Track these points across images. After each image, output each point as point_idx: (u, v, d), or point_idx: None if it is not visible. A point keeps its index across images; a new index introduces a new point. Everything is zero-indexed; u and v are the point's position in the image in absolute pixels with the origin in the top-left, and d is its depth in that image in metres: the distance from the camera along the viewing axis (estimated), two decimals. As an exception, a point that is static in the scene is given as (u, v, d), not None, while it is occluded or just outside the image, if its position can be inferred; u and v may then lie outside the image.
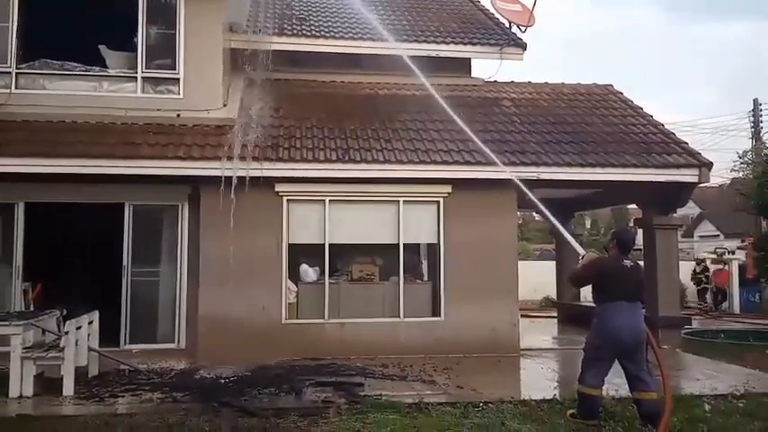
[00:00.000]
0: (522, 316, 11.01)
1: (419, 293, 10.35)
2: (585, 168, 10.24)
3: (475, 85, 12.83)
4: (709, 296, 21.44)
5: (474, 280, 9.99)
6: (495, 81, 13.15)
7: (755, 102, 28.69)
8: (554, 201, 13.42)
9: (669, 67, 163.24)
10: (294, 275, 10.06)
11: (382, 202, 10.22)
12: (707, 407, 6.87)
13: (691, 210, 36.31)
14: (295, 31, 12.22)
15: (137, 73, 10.19)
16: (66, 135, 9.50)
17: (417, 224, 10.29)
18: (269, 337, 9.47)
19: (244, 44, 11.15)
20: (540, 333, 13.00)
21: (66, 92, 10.04)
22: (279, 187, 9.80)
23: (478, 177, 9.89)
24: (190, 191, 9.89)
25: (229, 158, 9.40)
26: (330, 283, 10.04)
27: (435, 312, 10.19)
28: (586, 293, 9.41)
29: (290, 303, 9.90)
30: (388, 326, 9.96)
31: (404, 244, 10.21)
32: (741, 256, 22.37)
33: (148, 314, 9.94)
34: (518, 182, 9.09)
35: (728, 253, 23.27)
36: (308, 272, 10.18)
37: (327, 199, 9.99)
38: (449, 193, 10.16)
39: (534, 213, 26.56)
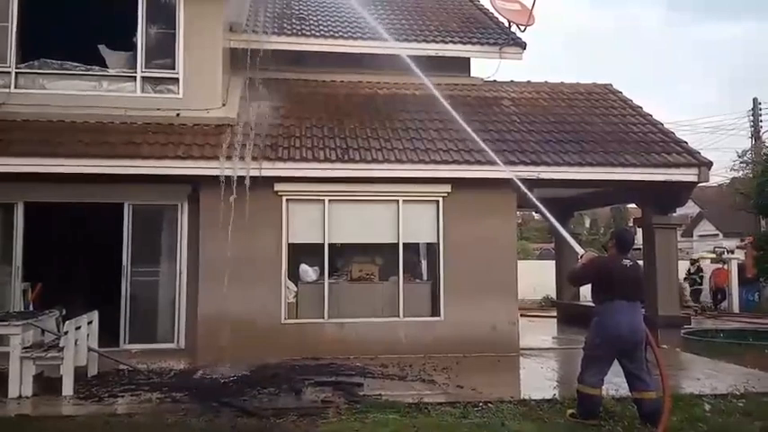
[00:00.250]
0: (521, 315, 11.02)
1: (419, 293, 10.35)
2: (585, 168, 10.24)
3: (474, 85, 12.82)
4: (709, 296, 21.46)
5: (473, 279, 9.99)
6: (495, 81, 13.14)
7: (755, 101, 28.73)
8: (554, 200, 13.46)
9: (669, 67, 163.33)
10: (294, 275, 10.06)
11: (382, 201, 10.22)
12: (707, 406, 6.87)
13: (690, 209, 36.33)
14: (295, 31, 12.22)
15: (136, 72, 10.19)
16: (66, 135, 9.49)
17: (417, 224, 10.28)
18: (268, 337, 9.47)
19: (243, 44, 11.15)
20: (540, 332, 13.00)
21: (66, 91, 10.03)
22: (278, 187, 9.80)
23: (478, 177, 9.89)
24: (189, 190, 9.89)
25: (229, 158, 9.40)
26: (330, 282, 10.04)
27: (435, 312, 10.19)
28: (586, 293, 9.40)
29: (289, 303, 9.90)
30: (387, 325, 9.96)
31: (403, 243, 10.21)
32: (740, 255, 22.38)
33: (148, 314, 9.93)
34: (517, 181, 9.08)
35: (728, 252, 23.28)
36: (308, 271, 10.18)
37: (327, 198, 9.99)
38: (448, 193, 10.16)
39: (534, 213, 26.62)
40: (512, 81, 13.40)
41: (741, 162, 28.01)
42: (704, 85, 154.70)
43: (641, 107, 12.45)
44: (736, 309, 20.62)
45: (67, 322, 7.73)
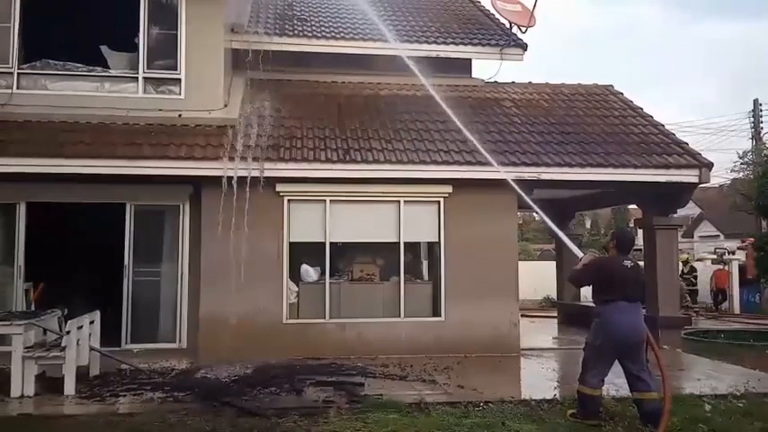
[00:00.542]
0: (522, 316, 11.02)
1: (420, 293, 10.37)
2: (586, 169, 10.25)
3: (476, 86, 12.85)
4: (709, 296, 21.46)
5: (474, 280, 10.00)
6: (496, 82, 13.17)
7: (755, 102, 28.72)
8: (554, 201, 13.50)
9: (669, 67, 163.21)
10: (295, 275, 10.08)
11: (383, 202, 10.23)
12: (707, 407, 6.88)
13: (691, 210, 36.31)
14: (296, 32, 12.24)
15: (138, 73, 10.20)
16: (68, 135, 9.51)
17: (418, 224, 10.30)
18: (270, 337, 9.49)
19: (245, 44, 11.17)
20: (541, 333, 13.02)
21: (68, 92, 10.05)
22: (280, 187, 9.82)
23: (479, 177, 9.91)
24: (191, 191, 9.91)
25: (231, 159, 9.42)
26: (331, 282, 10.05)
27: (436, 312, 10.20)
28: (586, 293, 9.43)
29: (290, 303, 9.91)
30: (388, 326, 9.98)
31: (404, 244, 10.23)
32: (741, 256, 22.39)
33: (150, 314, 9.95)
34: (513, 184, 9.06)
35: (728, 253, 23.29)
36: (309, 272, 10.20)
37: (328, 199, 10.01)
38: (449, 193, 10.18)
39: (534, 214, 26.61)
40: (513, 82, 13.43)
41: (742, 163, 28.03)
42: (705, 85, 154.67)
43: (642, 108, 12.47)
44: (736, 310, 20.62)
45: (69, 322, 7.74)
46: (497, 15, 13.57)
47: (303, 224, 10.02)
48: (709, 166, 10.59)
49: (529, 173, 9.92)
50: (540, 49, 68.52)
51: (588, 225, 45.85)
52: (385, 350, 9.59)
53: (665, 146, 10.96)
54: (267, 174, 9.52)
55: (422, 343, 9.82)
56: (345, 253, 10.49)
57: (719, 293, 21.36)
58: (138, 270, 9.91)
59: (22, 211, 9.71)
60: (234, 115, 10.30)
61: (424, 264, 10.68)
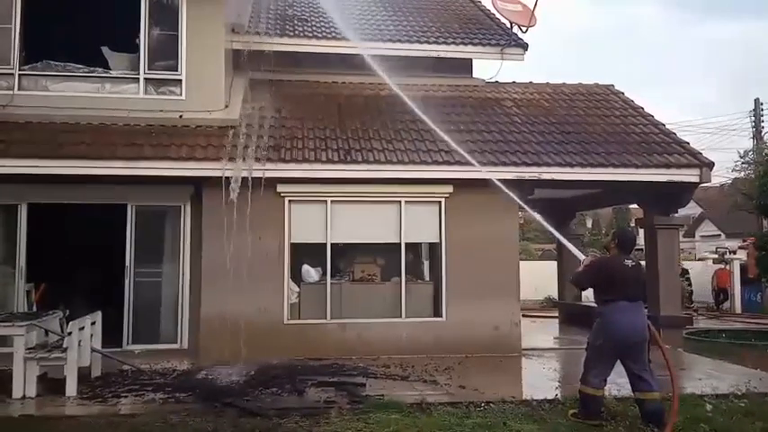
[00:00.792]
0: (523, 316, 11.01)
1: (421, 293, 10.37)
2: (586, 168, 10.24)
3: (476, 86, 12.84)
4: (709, 296, 21.46)
5: (475, 280, 10.00)
6: (497, 81, 13.17)
7: (756, 101, 28.68)
8: (555, 200, 13.51)
9: (669, 67, 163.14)
10: (296, 276, 10.08)
11: (384, 202, 10.24)
12: (708, 406, 6.87)
13: (692, 210, 36.31)
14: (297, 32, 12.24)
15: (139, 74, 10.20)
16: (69, 136, 9.52)
17: (419, 224, 10.29)
18: (271, 338, 9.49)
19: (245, 45, 11.17)
20: (542, 333, 13.02)
21: (69, 93, 10.05)
22: (281, 188, 9.82)
23: (480, 177, 9.90)
24: (192, 191, 9.92)
25: (231, 159, 9.42)
26: (332, 283, 10.06)
27: (437, 312, 10.20)
28: (588, 293, 9.42)
29: (292, 304, 9.92)
30: (389, 326, 9.98)
31: (405, 244, 10.23)
32: (742, 255, 22.38)
33: (151, 314, 9.97)
34: (507, 190, 9.04)
35: (730, 253, 23.28)
36: (310, 272, 10.20)
37: (329, 199, 10.01)
38: (450, 194, 10.18)
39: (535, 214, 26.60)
40: (514, 82, 13.43)
41: (743, 162, 27.99)
42: (706, 85, 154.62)
43: (643, 108, 12.46)
44: (738, 309, 20.62)
45: (71, 323, 7.74)
46: (498, 15, 13.56)
47: (304, 225, 10.02)
48: (710, 165, 10.58)
49: (529, 173, 9.93)
50: (540, 49, 68.73)
51: (589, 225, 45.82)
52: (386, 350, 9.59)
53: (665, 145, 10.95)
54: (268, 174, 9.52)
55: (423, 343, 9.82)
56: (346, 253, 10.49)
57: (721, 293, 21.37)
58: (140, 271, 9.93)
59: (23, 212, 9.73)
60: (235, 116, 10.31)
61: (425, 264, 10.68)
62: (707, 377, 8.46)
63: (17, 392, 7.28)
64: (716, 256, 24.16)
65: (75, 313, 8.31)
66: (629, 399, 6.63)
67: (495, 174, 9.67)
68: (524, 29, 13.17)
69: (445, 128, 10.29)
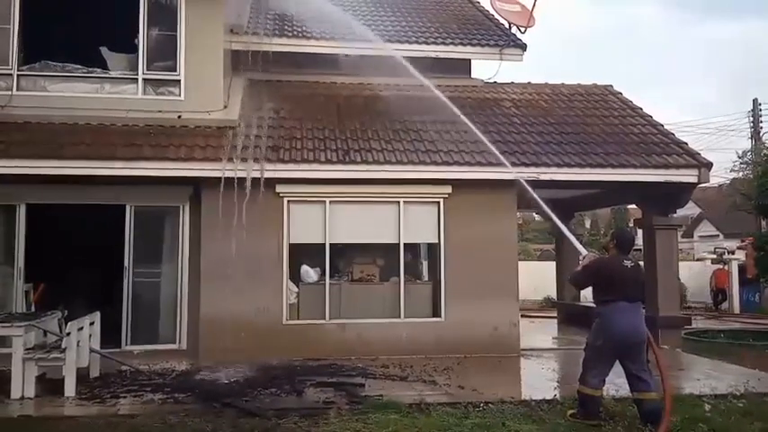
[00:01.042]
0: (522, 316, 11.03)
1: (420, 294, 10.38)
2: (585, 169, 10.26)
3: (475, 86, 12.85)
4: (710, 297, 21.48)
5: (474, 280, 10.01)
6: (496, 82, 13.18)
7: (755, 102, 28.70)
8: (554, 201, 13.48)
9: (669, 67, 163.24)
10: (295, 276, 10.08)
11: (383, 202, 10.24)
12: (707, 407, 6.89)
13: (690, 210, 36.32)
14: (295, 33, 12.24)
15: (138, 74, 10.20)
16: (68, 137, 9.51)
17: (418, 224, 10.30)
18: (270, 338, 9.49)
19: (244, 45, 11.17)
20: (541, 333, 13.03)
21: (68, 93, 10.05)
22: (280, 188, 9.82)
23: (478, 178, 9.92)
24: (191, 192, 9.92)
25: (230, 160, 9.42)
26: (331, 283, 10.06)
27: (436, 313, 10.21)
28: (587, 293, 9.43)
29: (290, 304, 9.92)
30: (388, 326, 9.98)
31: (404, 244, 10.23)
32: (741, 255, 22.40)
33: (150, 315, 9.95)
34: (524, 183, 9.09)
35: (728, 253, 23.29)
36: (309, 272, 10.20)
37: (328, 200, 10.02)
38: (449, 194, 10.19)
39: (535, 214, 26.62)
40: (512, 82, 13.43)
41: (741, 163, 28.04)
42: (705, 85, 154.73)
43: (641, 108, 12.48)
44: (736, 309, 20.63)
45: (69, 323, 7.74)
46: (496, 16, 13.58)
47: (303, 225, 10.02)
48: (709, 165, 10.60)
49: (528, 173, 9.92)
50: (539, 50, 68.62)
51: (588, 225, 45.84)
52: (385, 351, 9.59)
53: (664, 146, 10.97)
54: (267, 175, 9.52)
55: (422, 343, 9.83)
56: (345, 253, 10.49)
57: (719, 293, 21.38)
58: (139, 271, 9.91)
59: (22, 212, 9.71)
60: (233, 116, 10.31)
61: (424, 264, 10.69)
62: (705, 377, 8.47)
63: (16, 393, 7.27)
64: (714, 256, 24.18)
65: (74, 314, 8.30)
66: (628, 399, 6.63)
67: (494, 174, 9.68)
68: (523, 29, 13.20)
69: (446, 128, 10.31)
